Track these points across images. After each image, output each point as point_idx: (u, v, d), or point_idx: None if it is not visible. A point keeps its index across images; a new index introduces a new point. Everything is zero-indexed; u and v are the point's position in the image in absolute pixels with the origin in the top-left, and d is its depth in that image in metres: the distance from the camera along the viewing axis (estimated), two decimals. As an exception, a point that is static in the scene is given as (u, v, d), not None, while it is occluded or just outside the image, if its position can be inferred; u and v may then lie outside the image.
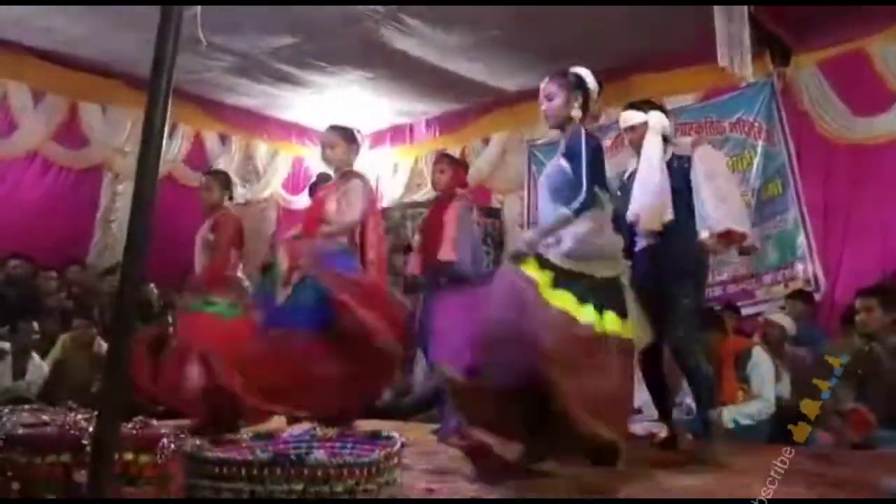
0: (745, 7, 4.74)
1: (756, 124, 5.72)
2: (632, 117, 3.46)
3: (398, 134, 8.31)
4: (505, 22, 5.59)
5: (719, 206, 3.23)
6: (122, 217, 6.68)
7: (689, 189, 3.32)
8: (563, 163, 2.86)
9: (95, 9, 5.44)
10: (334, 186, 3.85)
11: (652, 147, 3.34)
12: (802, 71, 5.63)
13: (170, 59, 1.55)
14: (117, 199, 6.87)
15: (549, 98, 2.96)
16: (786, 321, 4.72)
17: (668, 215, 3.24)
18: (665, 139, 3.40)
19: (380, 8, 5.43)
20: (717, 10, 4.69)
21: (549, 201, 2.90)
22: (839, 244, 5.40)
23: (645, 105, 3.51)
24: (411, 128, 8.21)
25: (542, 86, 2.99)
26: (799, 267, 5.43)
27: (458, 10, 5.44)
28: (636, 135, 3.43)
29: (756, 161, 5.68)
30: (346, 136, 3.85)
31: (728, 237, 3.30)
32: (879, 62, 5.26)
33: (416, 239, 4.50)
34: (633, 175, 3.43)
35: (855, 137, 5.38)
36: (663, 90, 5.94)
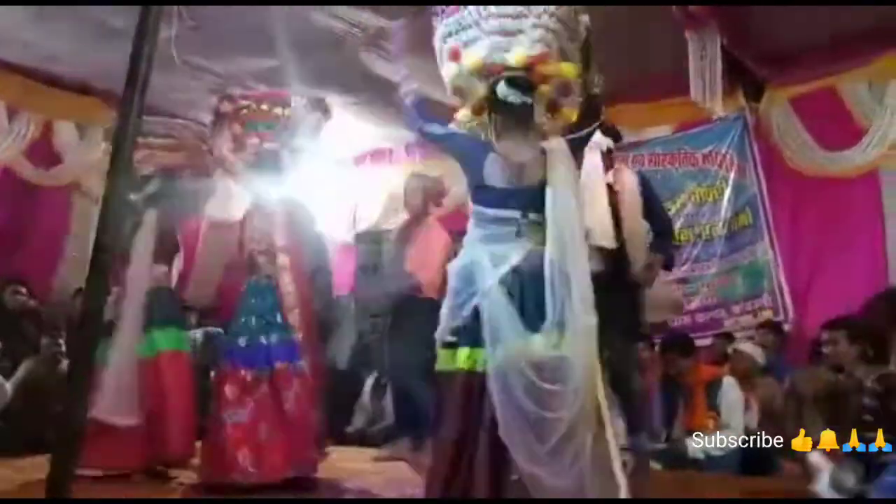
0: (719, 42, 4.83)
1: (728, 157, 5.83)
2: None
3: (378, 158, 8.29)
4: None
5: None
6: (91, 237, 6.54)
7: None
8: None
9: (75, 25, 5.38)
10: None
11: (588, 161, 3.35)
12: (774, 106, 5.73)
13: (143, 78, 1.56)
14: (87, 219, 6.73)
15: None
16: (755, 351, 4.76)
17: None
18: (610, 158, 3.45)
19: (360, 33, 5.46)
20: (692, 45, 4.78)
21: None
22: (808, 275, 5.49)
23: None
24: (391, 152, 8.20)
25: None
26: (768, 298, 5.51)
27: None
28: None
29: (727, 192, 5.81)
30: None
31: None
32: (849, 99, 5.37)
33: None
34: None
35: (824, 171, 5.48)
36: (639, 121, 6.04)
